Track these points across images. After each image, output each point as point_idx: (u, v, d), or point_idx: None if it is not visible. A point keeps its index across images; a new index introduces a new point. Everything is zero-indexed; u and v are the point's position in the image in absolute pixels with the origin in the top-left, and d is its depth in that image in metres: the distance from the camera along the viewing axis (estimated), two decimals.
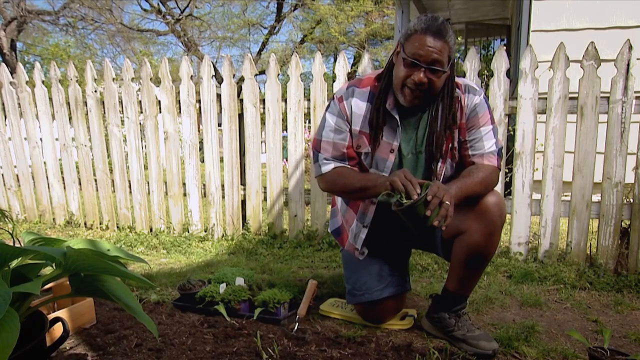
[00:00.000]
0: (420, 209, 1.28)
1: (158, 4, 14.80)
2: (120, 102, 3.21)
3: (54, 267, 1.18)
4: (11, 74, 3.52)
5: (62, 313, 1.60)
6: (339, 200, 1.81)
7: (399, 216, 1.34)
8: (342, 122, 1.57)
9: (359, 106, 1.55)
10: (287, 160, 3.00)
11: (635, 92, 2.30)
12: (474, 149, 1.55)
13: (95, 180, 3.41)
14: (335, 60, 6.57)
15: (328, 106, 1.62)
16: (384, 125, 1.53)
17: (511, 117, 2.71)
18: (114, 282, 1.19)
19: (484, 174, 1.49)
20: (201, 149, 3.38)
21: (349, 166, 1.59)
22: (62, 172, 3.52)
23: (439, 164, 1.54)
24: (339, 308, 1.86)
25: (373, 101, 1.54)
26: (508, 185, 2.78)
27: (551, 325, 1.78)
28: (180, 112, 3.10)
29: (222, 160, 3.08)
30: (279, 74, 2.91)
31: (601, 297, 2.11)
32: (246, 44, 17.27)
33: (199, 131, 3.32)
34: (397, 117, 1.52)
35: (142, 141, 3.36)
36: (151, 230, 3.32)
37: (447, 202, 1.28)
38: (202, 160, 3.28)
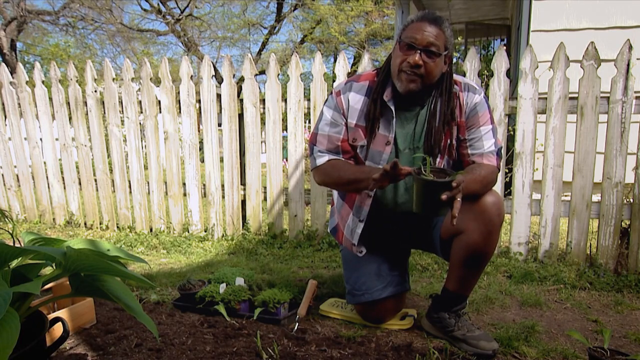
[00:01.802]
0: (440, 189, 1.23)
1: (158, 4, 14.79)
2: (120, 102, 3.21)
3: (54, 267, 1.18)
4: (11, 74, 3.52)
5: (62, 313, 1.60)
6: (335, 197, 1.81)
7: (409, 191, 1.31)
8: (338, 115, 1.59)
9: (356, 100, 1.57)
10: (287, 160, 3.00)
11: (635, 92, 2.30)
12: (474, 148, 1.55)
13: (95, 180, 3.41)
14: (335, 60, 6.57)
15: (326, 100, 1.64)
16: (381, 117, 1.54)
17: (511, 117, 2.71)
18: (114, 282, 1.19)
19: (485, 173, 1.49)
20: (201, 149, 3.38)
21: (343, 159, 1.61)
22: (62, 172, 3.52)
23: (437, 159, 1.55)
24: (339, 308, 1.86)
25: (370, 95, 1.55)
26: (508, 185, 2.78)
27: (551, 325, 1.78)
28: (180, 112, 3.09)
29: (222, 160, 3.08)
30: (279, 74, 2.91)
31: (601, 297, 2.11)
32: (246, 44, 17.28)
33: (199, 131, 3.32)
34: (392, 108, 1.53)
35: (142, 141, 3.36)
36: (151, 230, 3.32)
37: (459, 199, 1.27)
38: (202, 160, 3.28)
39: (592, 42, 2.31)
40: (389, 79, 1.54)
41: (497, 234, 1.51)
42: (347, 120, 1.58)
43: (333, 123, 1.59)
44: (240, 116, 3.02)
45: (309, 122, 3.06)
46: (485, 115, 1.55)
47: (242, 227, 3.12)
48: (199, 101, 3.06)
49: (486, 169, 1.51)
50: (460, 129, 1.55)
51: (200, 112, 3.08)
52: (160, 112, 3.14)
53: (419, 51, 1.41)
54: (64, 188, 3.52)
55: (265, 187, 3.03)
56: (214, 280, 1.97)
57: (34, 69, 3.38)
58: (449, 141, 1.55)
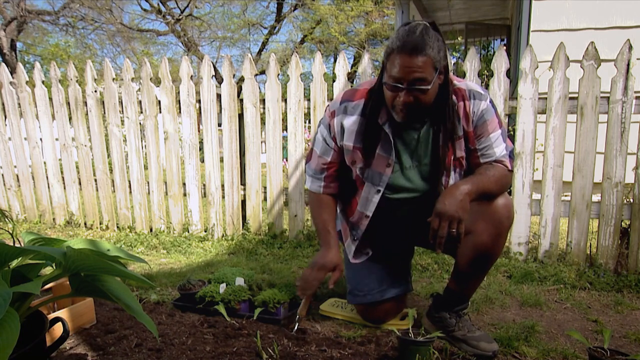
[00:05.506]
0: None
1: (158, 4, 14.78)
2: (120, 102, 3.21)
3: (54, 267, 1.18)
4: (11, 74, 3.52)
5: (62, 313, 1.60)
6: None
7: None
8: (330, 138, 1.59)
9: (350, 122, 1.52)
10: (287, 160, 3.00)
11: (635, 92, 2.30)
12: (485, 156, 1.50)
13: (95, 180, 3.41)
14: (335, 60, 6.57)
15: (323, 117, 1.62)
16: (379, 140, 1.50)
17: (511, 117, 2.70)
18: (114, 282, 1.18)
19: (499, 174, 1.46)
20: (201, 149, 3.38)
21: (330, 192, 1.67)
22: (62, 172, 3.52)
23: (444, 177, 1.51)
24: (339, 308, 1.86)
25: (365, 114, 1.50)
26: None
27: (551, 325, 1.78)
28: (180, 112, 3.09)
29: (222, 160, 3.08)
30: (279, 74, 2.91)
31: (601, 297, 2.11)
32: (246, 44, 17.27)
33: (199, 131, 3.32)
34: (389, 131, 1.48)
35: (142, 141, 3.36)
36: (151, 230, 3.32)
37: (453, 231, 1.34)
38: (202, 160, 3.28)
39: (592, 42, 2.31)
40: (383, 101, 1.45)
41: (505, 236, 1.50)
42: (338, 144, 1.57)
43: (324, 145, 1.61)
44: (240, 116, 3.02)
45: (309, 122, 3.06)
46: (493, 121, 1.49)
47: (242, 227, 3.12)
48: (199, 101, 3.06)
49: (499, 170, 1.47)
50: (469, 139, 1.49)
51: (200, 112, 3.08)
52: (160, 112, 3.14)
53: (405, 89, 1.32)
54: (64, 188, 3.52)
55: (265, 187, 3.03)
56: (214, 280, 1.97)
57: (34, 69, 3.38)
58: (453, 156, 1.50)
